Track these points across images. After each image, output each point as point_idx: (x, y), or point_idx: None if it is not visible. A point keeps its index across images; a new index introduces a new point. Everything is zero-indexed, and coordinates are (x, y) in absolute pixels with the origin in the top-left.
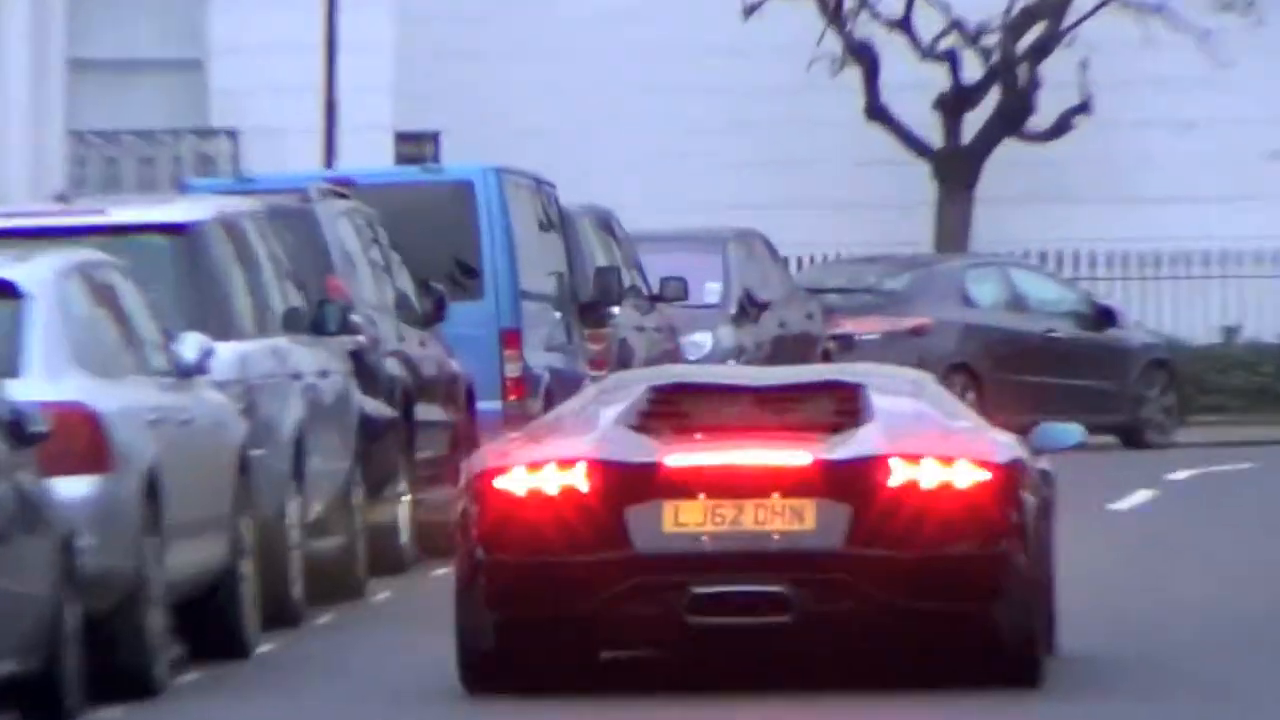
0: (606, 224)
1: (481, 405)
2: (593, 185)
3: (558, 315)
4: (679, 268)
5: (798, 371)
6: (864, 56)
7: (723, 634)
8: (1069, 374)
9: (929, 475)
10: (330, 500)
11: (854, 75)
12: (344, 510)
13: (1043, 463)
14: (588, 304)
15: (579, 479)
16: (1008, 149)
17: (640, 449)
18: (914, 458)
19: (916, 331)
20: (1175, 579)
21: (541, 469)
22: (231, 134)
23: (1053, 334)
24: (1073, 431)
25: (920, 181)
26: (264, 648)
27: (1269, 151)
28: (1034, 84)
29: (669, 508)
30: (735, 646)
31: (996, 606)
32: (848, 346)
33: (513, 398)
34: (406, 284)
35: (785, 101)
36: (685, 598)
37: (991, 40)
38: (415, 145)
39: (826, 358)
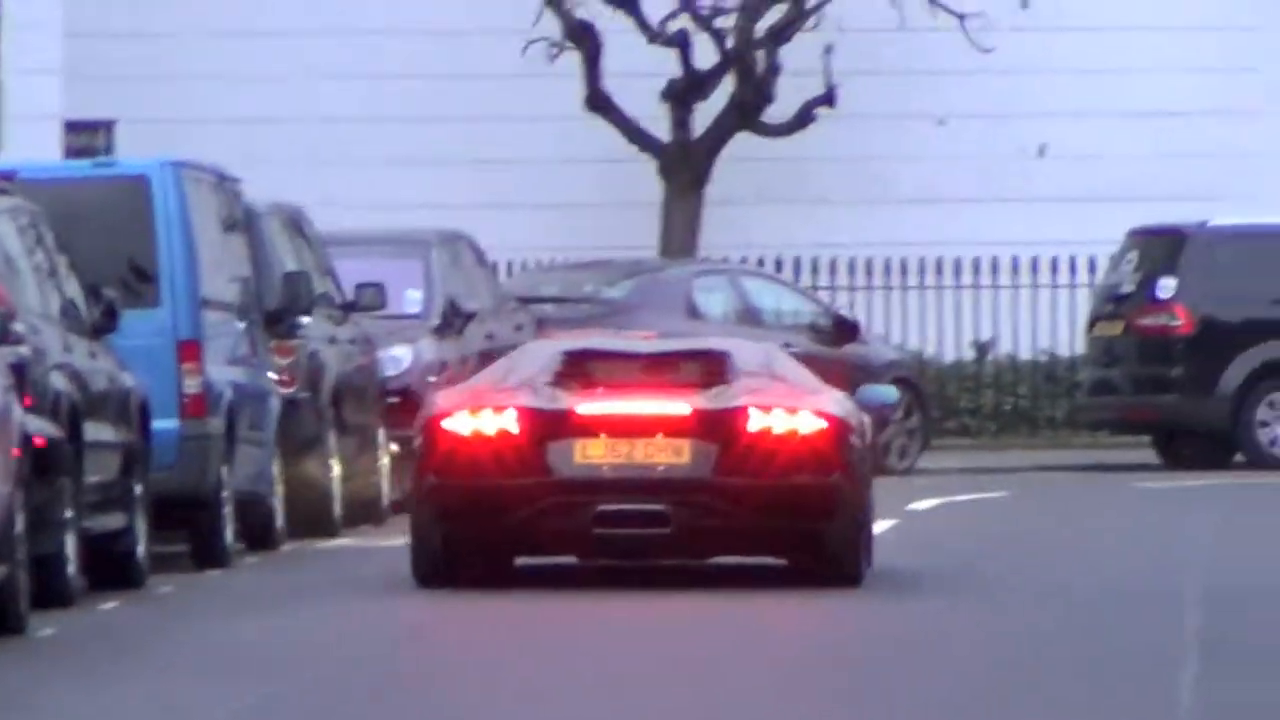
0: (296, 224)
1: (157, 424)
2: (281, 181)
3: (241, 325)
4: (376, 273)
5: (678, 341)
6: (585, 39)
7: (619, 542)
8: None
9: (779, 422)
10: None
11: (574, 61)
12: (4, 539)
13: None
14: (275, 313)
15: (510, 422)
16: (742, 144)
17: (557, 399)
18: (767, 408)
19: None
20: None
21: (480, 413)
22: None
23: (788, 348)
24: (890, 392)
25: (645, 180)
26: None
27: (1033, 149)
28: (773, 71)
29: (579, 444)
30: (628, 553)
31: (829, 525)
32: None
33: (191, 415)
34: (74, 290)
35: (497, 90)
36: (591, 513)
37: (727, 22)
38: (87, 136)
39: None
